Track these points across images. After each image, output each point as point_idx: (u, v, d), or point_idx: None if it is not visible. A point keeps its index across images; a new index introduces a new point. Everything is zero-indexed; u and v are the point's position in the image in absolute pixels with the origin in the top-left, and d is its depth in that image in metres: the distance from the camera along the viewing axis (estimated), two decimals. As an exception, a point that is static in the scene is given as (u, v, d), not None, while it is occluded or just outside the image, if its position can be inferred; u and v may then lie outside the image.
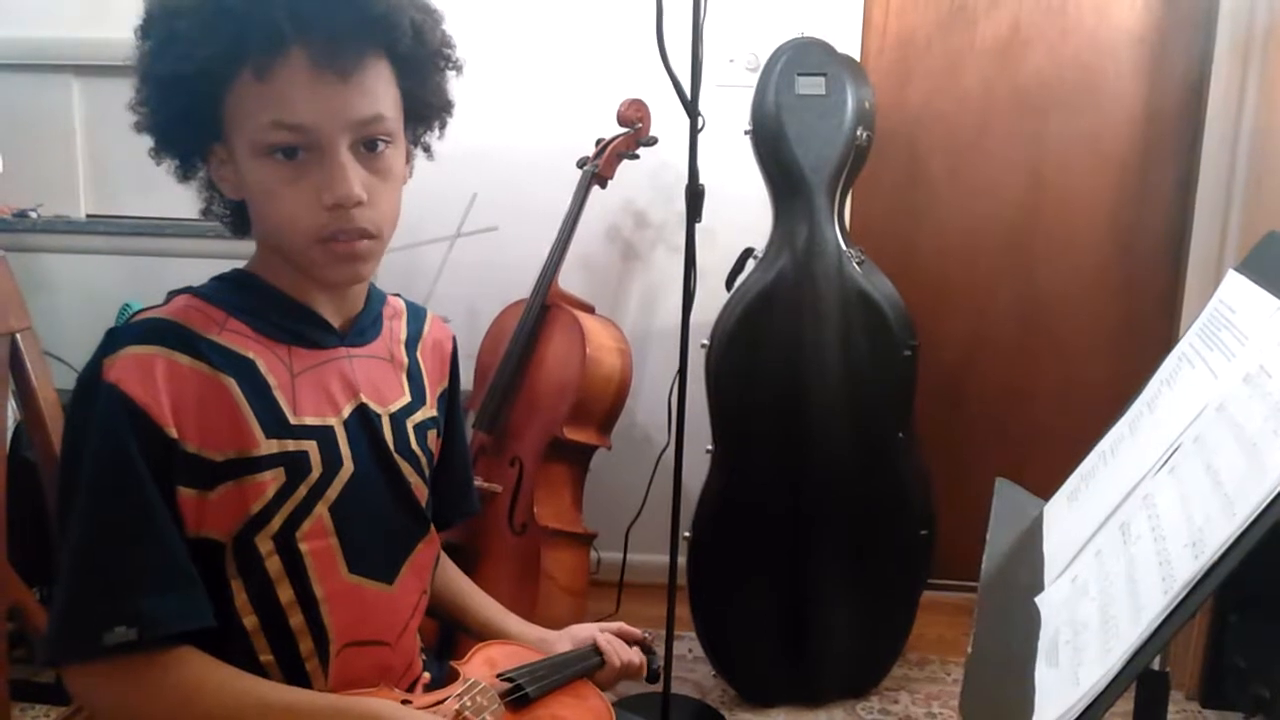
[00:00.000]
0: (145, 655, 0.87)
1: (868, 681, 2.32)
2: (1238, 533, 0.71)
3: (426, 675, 1.13)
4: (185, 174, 0.97)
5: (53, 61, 2.67)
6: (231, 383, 0.90)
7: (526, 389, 2.25)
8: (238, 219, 1.00)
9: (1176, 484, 0.86)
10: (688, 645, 2.40)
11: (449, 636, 2.15)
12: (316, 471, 0.94)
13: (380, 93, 0.92)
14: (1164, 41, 2.56)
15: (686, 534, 2.19)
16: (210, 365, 0.90)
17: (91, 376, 0.88)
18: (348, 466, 0.96)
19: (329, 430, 0.95)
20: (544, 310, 2.27)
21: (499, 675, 1.07)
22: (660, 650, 1.39)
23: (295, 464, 0.92)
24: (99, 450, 0.87)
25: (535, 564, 2.15)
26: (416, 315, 1.14)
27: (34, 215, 2.69)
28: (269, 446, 0.91)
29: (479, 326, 2.42)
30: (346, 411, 0.98)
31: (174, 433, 0.87)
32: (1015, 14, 2.59)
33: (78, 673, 0.89)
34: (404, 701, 0.98)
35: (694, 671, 2.40)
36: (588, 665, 1.19)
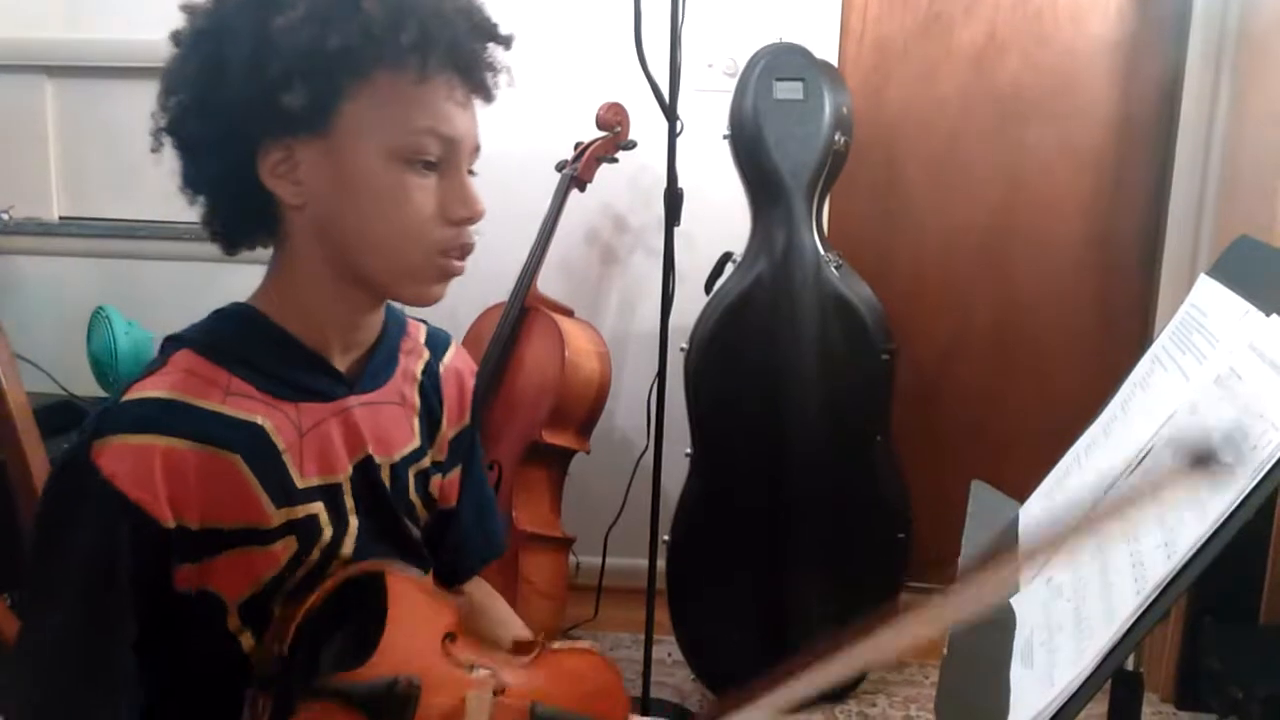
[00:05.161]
0: None
1: (846, 684, 2.32)
2: (1208, 533, 0.72)
3: None
4: (230, 170, 0.87)
5: (25, 62, 2.64)
6: (237, 459, 0.86)
7: (505, 392, 2.24)
8: (239, 233, 0.93)
9: (1149, 485, 0.87)
10: (667, 649, 2.40)
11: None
12: (328, 533, 0.91)
13: None
14: (1138, 48, 2.58)
15: (665, 537, 2.19)
16: (214, 445, 0.85)
17: (82, 461, 0.82)
18: (353, 522, 0.93)
19: (336, 489, 0.92)
20: (523, 313, 2.27)
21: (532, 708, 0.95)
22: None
23: (306, 530, 0.89)
24: (87, 549, 0.82)
25: (513, 568, 2.15)
26: (436, 345, 1.08)
27: (6, 217, 2.66)
28: (279, 518, 0.88)
29: (457, 330, 2.41)
30: (351, 467, 0.94)
31: (172, 523, 0.83)
32: (991, 21, 2.60)
33: None
34: (448, 635, 0.92)
35: (673, 675, 2.39)
36: None
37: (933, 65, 2.64)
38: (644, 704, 2.05)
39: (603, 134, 2.37)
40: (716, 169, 2.31)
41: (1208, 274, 1.07)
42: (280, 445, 0.88)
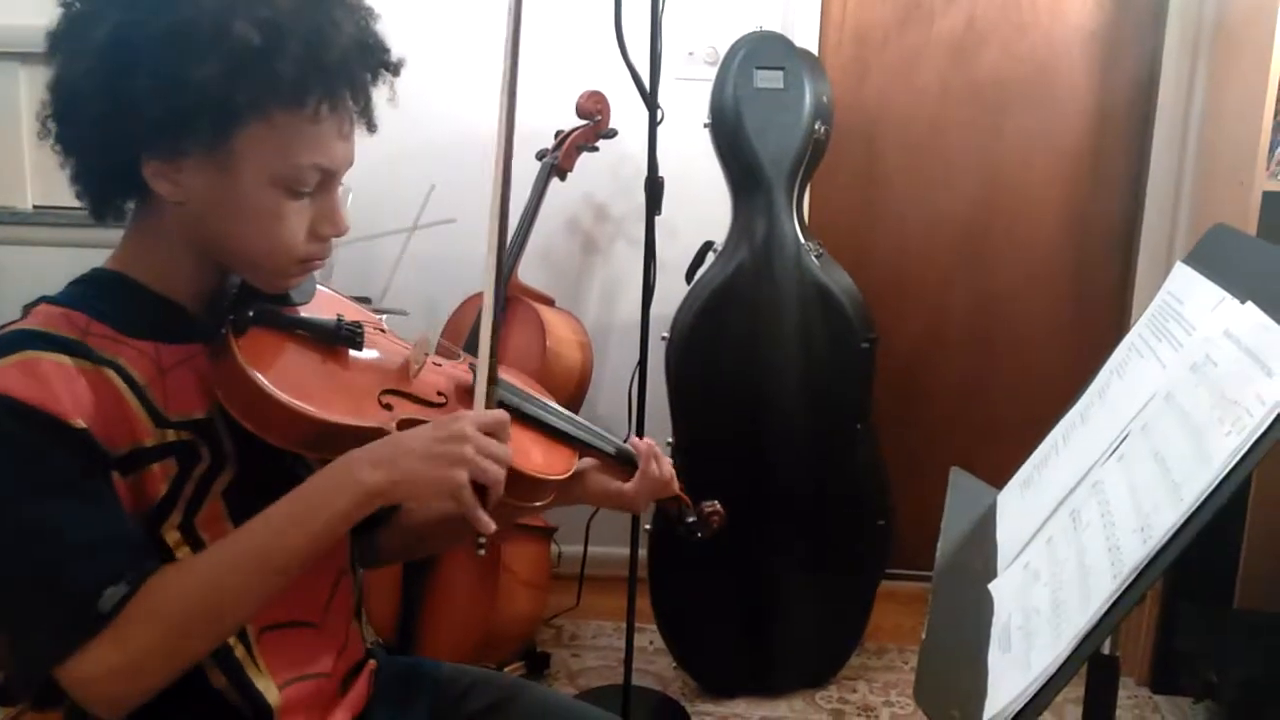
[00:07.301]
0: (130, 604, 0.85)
1: (827, 671, 2.34)
2: (1184, 518, 0.72)
3: (373, 662, 1.13)
4: (111, 165, 0.92)
5: (-2, 49, 2.61)
6: (113, 374, 0.89)
7: (486, 382, 2.23)
8: (107, 204, 0.97)
9: (1125, 471, 0.88)
10: (649, 637, 2.41)
11: (409, 628, 2.15)
12: (205, 462, 0.93)
13: None
14: (1116, 38, 2.60)
15: (647, 526, 2.20)
16: (89, 360, 0.88)
17: None
18: (233, 457, 0.95)
19: (206, 423, 0.94)
20: (503, 303, 2.26)
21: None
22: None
23: (185, 453, 0.92)
24: (10, 465, 0.84)
25: (495, 558, 2.15)
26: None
27: (-21, 206, 2.63)
28: (158, 436, 0.90)
29: (438, 319, 2.40)
30: (215, 406, 0.95)
31: (80, 423, 0.85)
32: (971, 10, 2.61)
33: (79, 662, 0.84)
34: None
35: (654, 663, 2.40)
36: (592, 438, 1.21)
37: (912, 54, 2.64)
38: (625, 691, 2.06)
39: (583, 122, 2.36)
40: (697, 158, 2.31)
41: (1184, 262, 1.08)
42: (141, 380, 0.91)
